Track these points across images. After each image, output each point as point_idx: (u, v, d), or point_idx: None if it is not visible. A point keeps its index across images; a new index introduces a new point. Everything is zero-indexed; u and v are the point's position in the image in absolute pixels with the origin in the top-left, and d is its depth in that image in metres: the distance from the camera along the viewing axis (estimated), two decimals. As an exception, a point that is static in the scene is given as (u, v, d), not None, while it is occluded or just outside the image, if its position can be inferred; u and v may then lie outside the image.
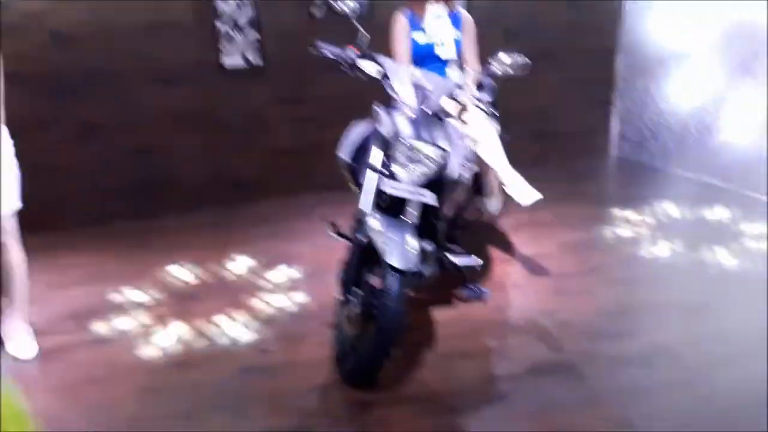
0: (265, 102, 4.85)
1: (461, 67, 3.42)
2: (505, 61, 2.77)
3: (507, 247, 3.89)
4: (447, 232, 3.15)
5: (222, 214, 4.77)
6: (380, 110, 2.71)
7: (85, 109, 4.52)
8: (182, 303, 3.42)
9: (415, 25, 3.30)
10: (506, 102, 5.20)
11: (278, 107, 4.87)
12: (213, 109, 4.78)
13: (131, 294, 3.53)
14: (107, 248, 4.23)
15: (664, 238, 3.90)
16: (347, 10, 2.74)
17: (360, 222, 2.58)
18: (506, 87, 5.13)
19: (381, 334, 2.39)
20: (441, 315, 3.16)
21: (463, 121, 3.05)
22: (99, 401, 2.66)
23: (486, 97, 3.74)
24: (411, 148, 2.54)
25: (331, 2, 2.75)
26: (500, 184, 3.47)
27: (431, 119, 2.64)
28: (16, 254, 2.99)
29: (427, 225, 2.83)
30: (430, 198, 2.58)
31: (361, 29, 2.78)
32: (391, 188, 2.55)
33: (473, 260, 2.95)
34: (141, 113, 4.64)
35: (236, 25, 4.63)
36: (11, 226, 2.94)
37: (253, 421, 2.50)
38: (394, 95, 2.68)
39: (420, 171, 2.56)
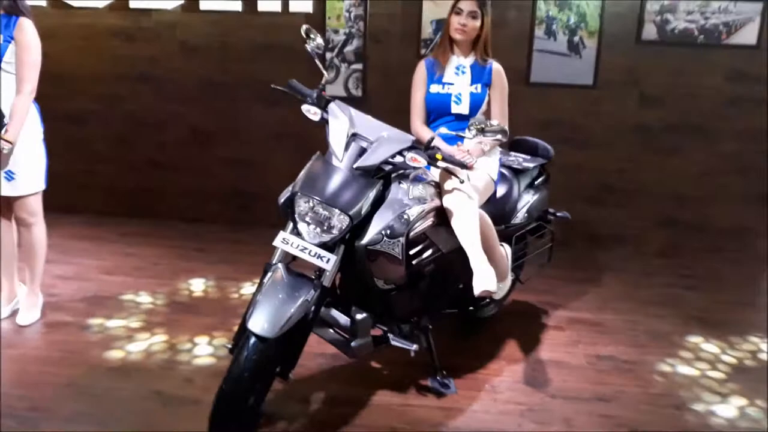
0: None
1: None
2: (480, 126, 2.35)
3: (528, 344, 3.28)
4: (430, 308, 2.77)
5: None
6: (313, 158, 2.50)
7: (197, 115, 4.89)
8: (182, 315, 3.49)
9: (433, 75, 2.96)
10: (632, 177, 4.51)
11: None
12: (308, 132, 4.83)
13: (150, 296, 3.70)
14: (176, 245, 4.53)
15: (737, 389, 2.95)
16: (310, 48, 2.62)
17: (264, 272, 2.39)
18: (638, 161, 4.43)
19: (217, 401, 2.14)
20: (382, 397, 2.76)
21: (437, 187, 2.66)
22: (37, 382, 2.77)
23: (531, 162, 3.26)
24: (312, 205, 2.28)
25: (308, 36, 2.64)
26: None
27: (358, 176, 2.34)
28: (38, 232, 3.31)
29: (370, 294, 2.53)
30: (330, 263, 2.28)
31: (323, 68, 2.63)
32: (280, 242, 2.31)
33: (408, 344, 2.59)
34: (244, 127, 4.89)
35: (343, 56, 4.64)
36: (37, 206, 3.27)
37: None
38: (328, 143, 2.45)
39: (319, 231, 2.28)
